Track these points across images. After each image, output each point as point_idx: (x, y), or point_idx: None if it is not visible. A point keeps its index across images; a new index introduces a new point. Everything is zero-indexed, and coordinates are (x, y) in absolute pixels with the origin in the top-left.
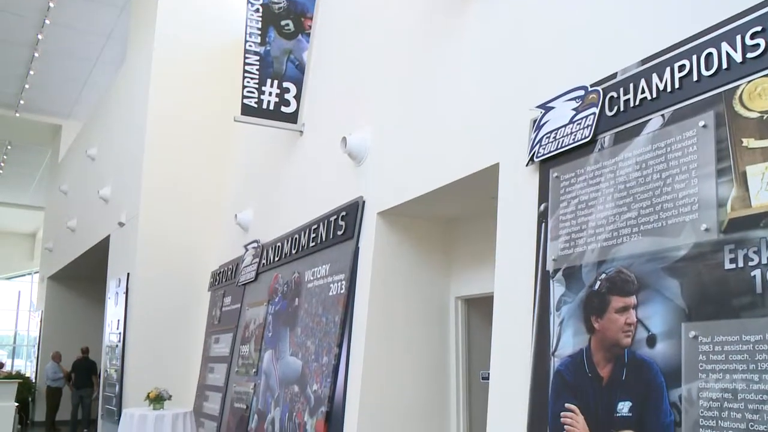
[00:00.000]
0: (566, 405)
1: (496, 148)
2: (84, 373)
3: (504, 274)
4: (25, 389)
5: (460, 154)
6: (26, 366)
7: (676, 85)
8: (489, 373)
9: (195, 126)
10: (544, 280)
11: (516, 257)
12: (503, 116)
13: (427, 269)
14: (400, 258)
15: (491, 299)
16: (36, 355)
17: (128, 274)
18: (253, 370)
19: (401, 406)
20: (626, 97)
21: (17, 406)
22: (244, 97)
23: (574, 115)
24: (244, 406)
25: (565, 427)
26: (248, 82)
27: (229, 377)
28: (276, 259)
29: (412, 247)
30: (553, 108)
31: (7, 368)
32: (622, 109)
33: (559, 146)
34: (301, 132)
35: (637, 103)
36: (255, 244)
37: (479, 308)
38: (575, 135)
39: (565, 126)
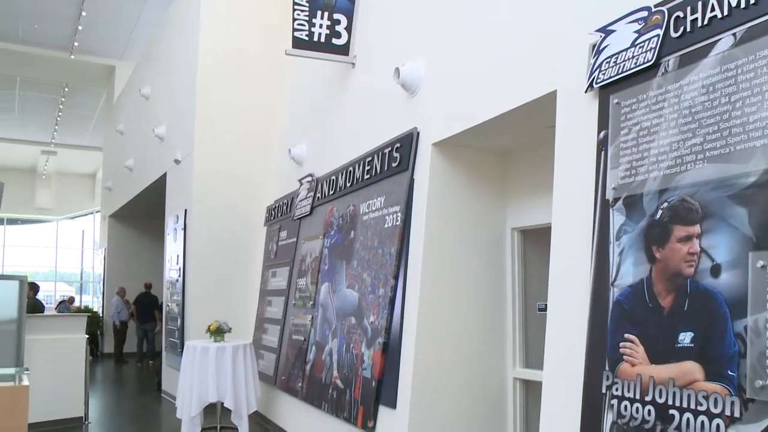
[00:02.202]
0: (626, 335)
1: (554, 75)
2: (147, 307)
3: (562, 204)
4: (93, 323)
5: (515, 83)
6: (93, 301)
7: (751, 1)
8: (546, 304)
9: (247, 61)
10: (603, 209)
11: (574, 187)
12: (560, 42)
13: (482, 200)
14: (455, 189)
15: (548, 230)
16: (102, 291)
17: (185, 210)
18: (310, 302)
19: (457, 336)
20: (693, 16)
21: (87, 339)
22: (294, 30)
23: (636, 38)
24: (302, 338)
25: (625, 357)
26: (298, 14)
27: (286, 310)
28: (331, 192)
29: (467, 178)
30: (613, 31)
31: (75, 303)
32: (688, 29)
33: (620, 71)
34: (353, 64)
35: (705, 22)
36: (309, 178)
37: (535, 239)
38: (637, 59)
39: (626, 50)
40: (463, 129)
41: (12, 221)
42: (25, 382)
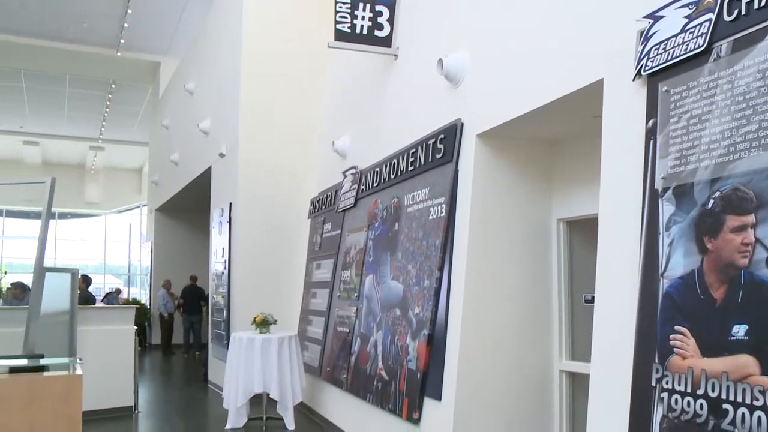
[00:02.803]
0: (676, 327)
1: (600, 64)
2: (193, 299)
3: (609, 194)
4: (141, 315)
5: (561, 72)
6: (140, 294)
7: None
8: (593, 296)
9: (290, 54)
10: (652, 199)
11: (622, 177)
12: (607, 29)
13: (527, 191)
14: (500, 180)
15: (595, 221)
16: (149, 284)
17: (230, 203)
18: (355, 294)
19: (502, 328)
20: None
21: (136, 330)
22: (337, 22)
23: (687, 23)
24: (347, 330)
25: (675, 349)
26: (341, 7)
27: (331, 302)
28: (375, 184)
29: (512, 169)
30: (662, 17)
31: (123, 295)
32: (743, 12)
33: (669, 58)
34: (396, 56)
35: (762, 4)
36: (353, 170)
37: (582, 230)
38: (688, 45)
39: (676, 36)
40: (508, 119)
41: (62, 215)
42: (79, 372)
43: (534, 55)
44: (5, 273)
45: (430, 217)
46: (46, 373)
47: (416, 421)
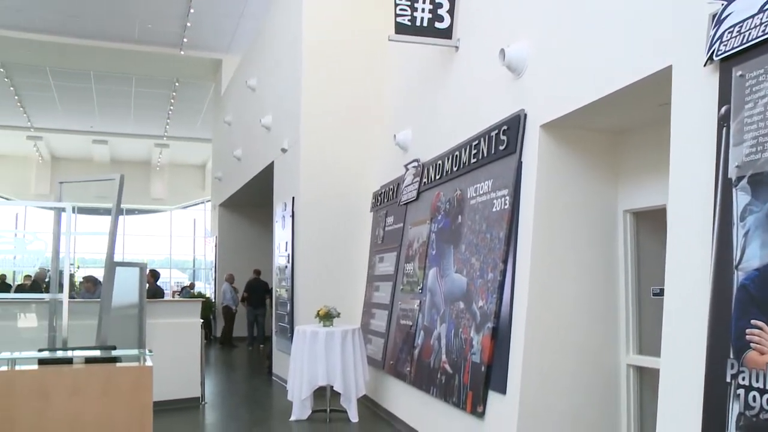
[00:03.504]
0: (752, 321)
1: (669, 50)
2: (257, 293)
3: (679, 184)
4: (206, 308)
5: (627, 59)
6: (205, 288)
7: None
8: (661, 288)
9: (350, 48)
10: (725, 188)
11: (692, 166)
12: (675, 14)
13: (593, 182)
14: (565, 171)
15: (663, 211)
16: (213, 278)
17: (293, 198)
18: (418, 287)
19: (568, 321)
20: None
21: (202, 323)
22: (397, 15)
23: (765, 3)
24: (410, 323)
25: (752, 344)
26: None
27: (394, 295)
28: (437, 177)
29: (577, 160)
30: None
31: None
32: None
33: (744, 41)
34: (457, 47)
35: None
36: (415, 163)
37: (649, 221)
38: (766, 26)
39: (752, 17)
40: (573, 109)
41: (130, 212)
42: (149, 363)
43: (598, 42)
44: (78, 267)
45: (494, 209)
46: (118, 364)
47: (480, 415)
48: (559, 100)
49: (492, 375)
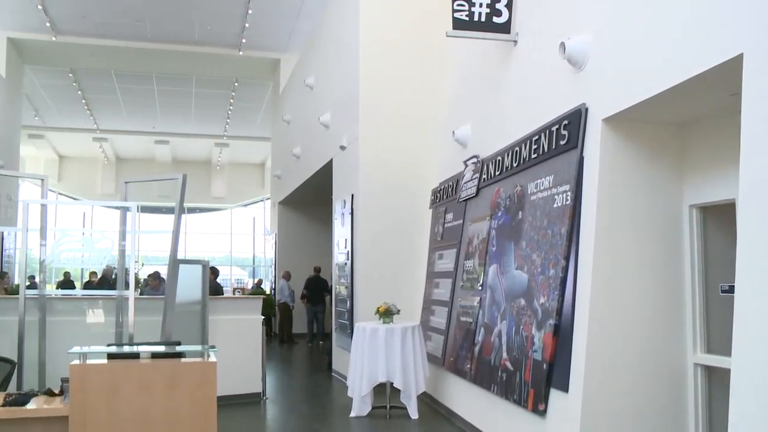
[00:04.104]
0: None
1: (739, 38)
2: (317, 290)
3: (751, 177)
4: (267, 305)
5: (693, 49)
6: (264, 285)
7: None
8: (729, 285)
9: (408, 45)
10: None
11: (764, 158)
12: (746, 1)
13: (657, 177)
14: (628, 165)
15: (731, 206)
16: (274, 275)
17: (352, 195)
18: (478, 284)
19: (632, 319)
20: None
21: (263, 320)
22: (454, 11)
23: None
24: (470, 320)
25: None
26: None
27: (454, 292)
28: (497, 173)
29: (640, 154)
30: None
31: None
32: None
33: None
34: (515, 42)
35: None
36: (474, 160)
37: (717, 216)
38: None
39: None
40: (636, 102)
41: (191, 210)
42: (213, 359)
43: (664, 31)
44: (142, 265)
45: (555, 205)
46: (183, 360)
47: (542, 413)
48: (622, 92)
49: (554, 373)
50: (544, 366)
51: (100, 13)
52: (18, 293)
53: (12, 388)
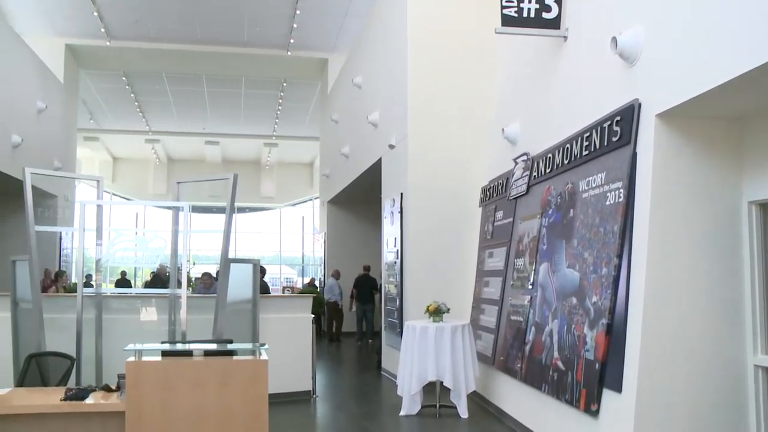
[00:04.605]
0: None
1: None
2: (366, 288)
3: None
4: (316, 304)
5: (752, 41)
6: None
7: None
8: None
9: (456, 42)
10: None
11: None
12: None
13: (714, 172)
14: (683, 161)
15: None
16: (323, 274)
17: (401, 194)
18: (529, 283)
19: (688, 318)
20: None
21: (313, 318)
22: (503, 7)
23: None
24: (521, 319)
25: None
26: None
27: (504, 290)
28: (547, 170)
29: (696, 149)
30: None
31: (298, 285)
32: None
33: None
34: (565, 37)
35: None
36: (525, 157)
37: None
38: None
39: None
40: (691, 96)
41: (241, 210)
42: (264, 357)
43: (719, 23)
44: (193, 264)
45: (607, 203)
46: (235, 357)
47: (595, 413)
48: (677, 87)
49: (606, 372)
50: (597, 366)
51: (151, 18)
52: (76, 291)
53: (71, 383)
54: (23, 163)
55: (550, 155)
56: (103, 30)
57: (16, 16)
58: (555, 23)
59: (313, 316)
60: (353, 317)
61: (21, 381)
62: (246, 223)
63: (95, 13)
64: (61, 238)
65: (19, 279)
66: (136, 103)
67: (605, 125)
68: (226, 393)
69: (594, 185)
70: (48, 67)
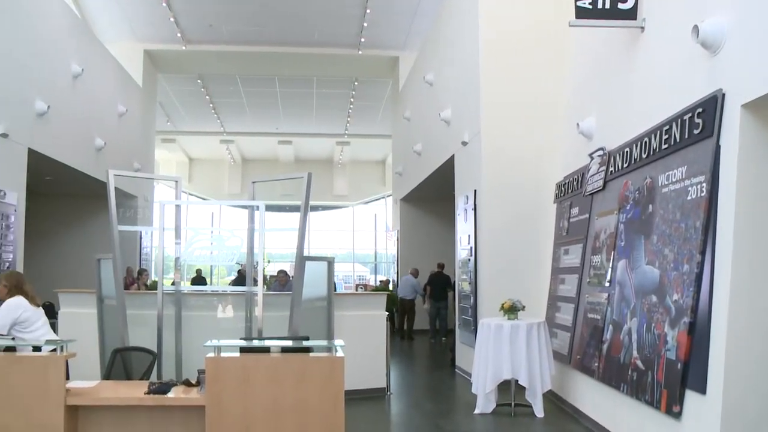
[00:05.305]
0: None
1: None
2: (440, 286)
3: None
4: (389, 301)
5: None
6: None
7: None
8: None
9: (528, 37)
10: None
11: None
12: None
13: None
14: None
15: None
16: (396, 271)
17: (474, 190)
18: (606, 280)
19: None
20: None
21: (387, 316)
22: None
23: None
24: (598, 317)
25: None
26: None
27: (580, 288)
28: (624, 165)
29: None
30: None
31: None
32: None
33: None
34: (642, 28)
35: None
36: (601, 152)
37: None
38: None
39: None
40: None
41: (314, 208)
42: (341, 354)
43: None
44: (268, 262)
45: (689, 198)
46: (311, 354)
47: (677, 415)
48: (765, 75)
49: (689, 373)
50: (679, 366)
51: (225, 22)
52: (156, 289)
53: (153, 376)
54: (106, 166)
55: (627, 149)
56: (179, 35)
57: (99, 26)
58: (631, 14)
59: (387, 313)
60: (424, 315)
61: (107, 374)
62: (319, 221)
63: (172, 19)
64: (141, 238)
65: (103, 277)
66: (211, 105)
67: (686, 117)
68: (303, 389)
69: (674, 179)
70: (128, 73)
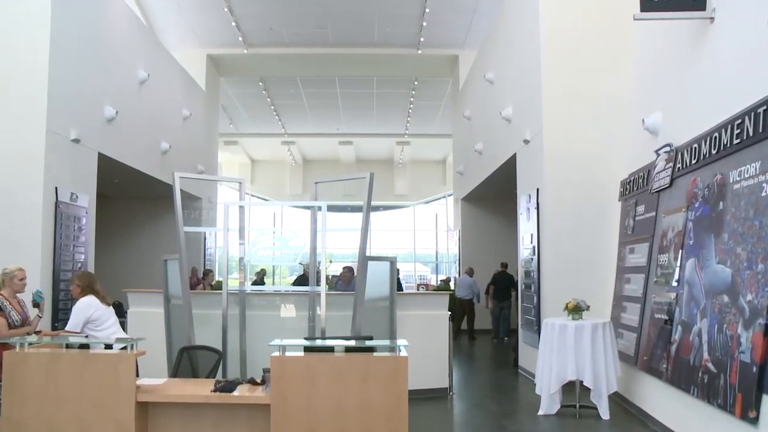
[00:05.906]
0: None
1: None
2: (504, 286)
3: None
4: (451, 301)
5: None
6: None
7: None
8: None
9: (591, 32)
10: None
11: None
12: None
13: None
14: None
15: None
16: (458, 271)
17: (537, 189)
18: (674, 279)
19: None
20: None
21: (450, 315)
22: None
23: None
24: (666, 317)
25: None
26: None
27: (647, 287)
28: (693, 161)
29: None
30: None
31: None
32: None
33: None
34: (712, 18)
35: None
36: (667, 148)
37: None
38: None
39: None
40: None
41: (375, 208)
42: (404, 354)
43: None
44: (330, 262)
45: (763, 194)
46: (375, 354)
47: (753, 421)
48: None
49: (766, 376)
50: (754, 369)
51: (285, 24)
52: (221, 289)
53: (218, 375)
54: (171, 168)
55: (695, 145)
56: (240, 39)
57: (164, 33)
58: (700, 4)
59: (449, 313)
60: (485, 314)
61: (175, 372)
62: (380, 221)
63: (233, 24)
64: (205, 238)
65: (170, 277)
66: (272, 107)
67: (760, 111)
68: (366, 388)
69: (747, 176)
70: (192, 77)
